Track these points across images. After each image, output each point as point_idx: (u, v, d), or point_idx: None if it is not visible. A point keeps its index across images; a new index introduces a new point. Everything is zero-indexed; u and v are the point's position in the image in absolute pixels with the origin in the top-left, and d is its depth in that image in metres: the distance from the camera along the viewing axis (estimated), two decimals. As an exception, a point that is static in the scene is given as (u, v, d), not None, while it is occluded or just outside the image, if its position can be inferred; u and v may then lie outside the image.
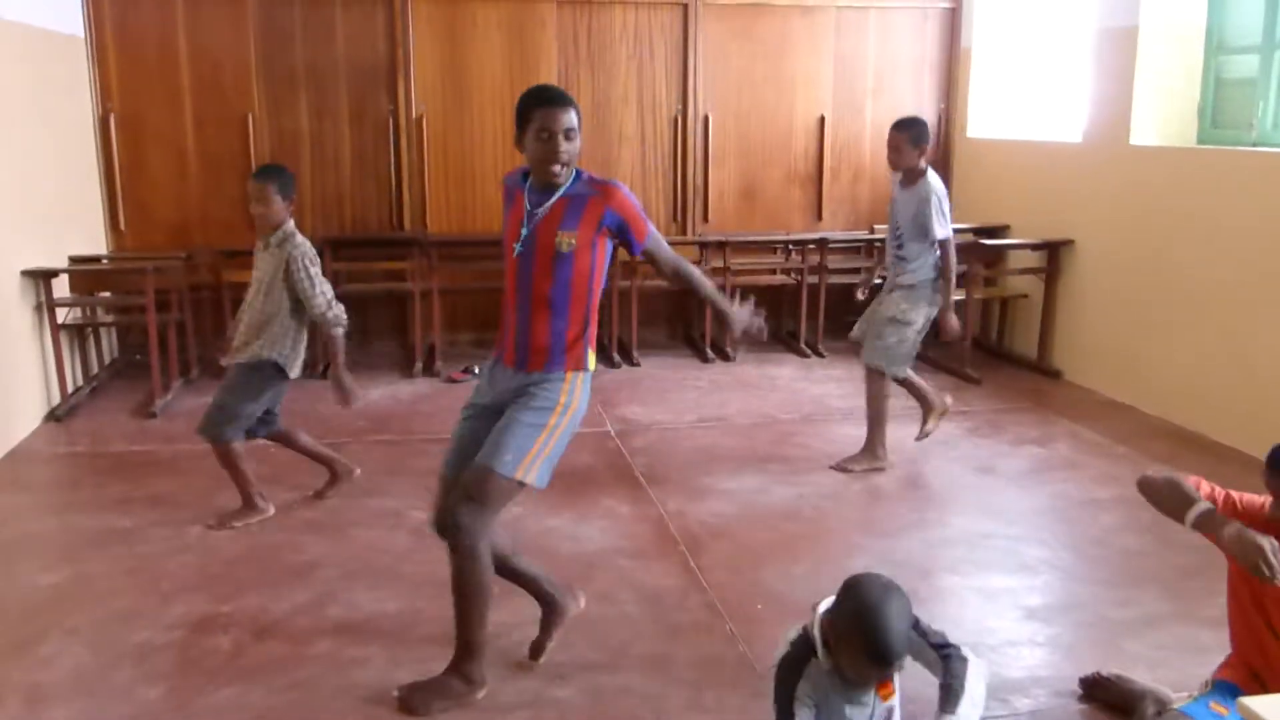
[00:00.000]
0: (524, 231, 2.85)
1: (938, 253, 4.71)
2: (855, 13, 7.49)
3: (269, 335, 4.10)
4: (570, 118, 2.78)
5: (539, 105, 2.79)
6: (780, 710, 2.24)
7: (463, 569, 2.84)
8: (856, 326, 5.04)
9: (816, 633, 2.22)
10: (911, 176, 4.72)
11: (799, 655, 2.25)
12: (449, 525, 2.84)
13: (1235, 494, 2.50)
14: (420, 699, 2.89)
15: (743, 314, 3.12)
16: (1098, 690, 2.96)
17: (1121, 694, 2.90)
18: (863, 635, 2.10)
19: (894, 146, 4.71)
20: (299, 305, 4.10)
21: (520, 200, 2.89)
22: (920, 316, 4.79)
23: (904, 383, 4.93)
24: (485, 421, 2.93)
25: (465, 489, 2.82)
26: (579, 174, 2.88)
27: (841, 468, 4.89)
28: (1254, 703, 1.80)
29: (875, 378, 4.87)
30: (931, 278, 4.75)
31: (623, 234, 2.90)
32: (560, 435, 2.90)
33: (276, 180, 4.03)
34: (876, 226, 7.65)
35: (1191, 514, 2.38)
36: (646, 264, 3.09)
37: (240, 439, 4.20)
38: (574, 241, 2.83)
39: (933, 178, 4.70)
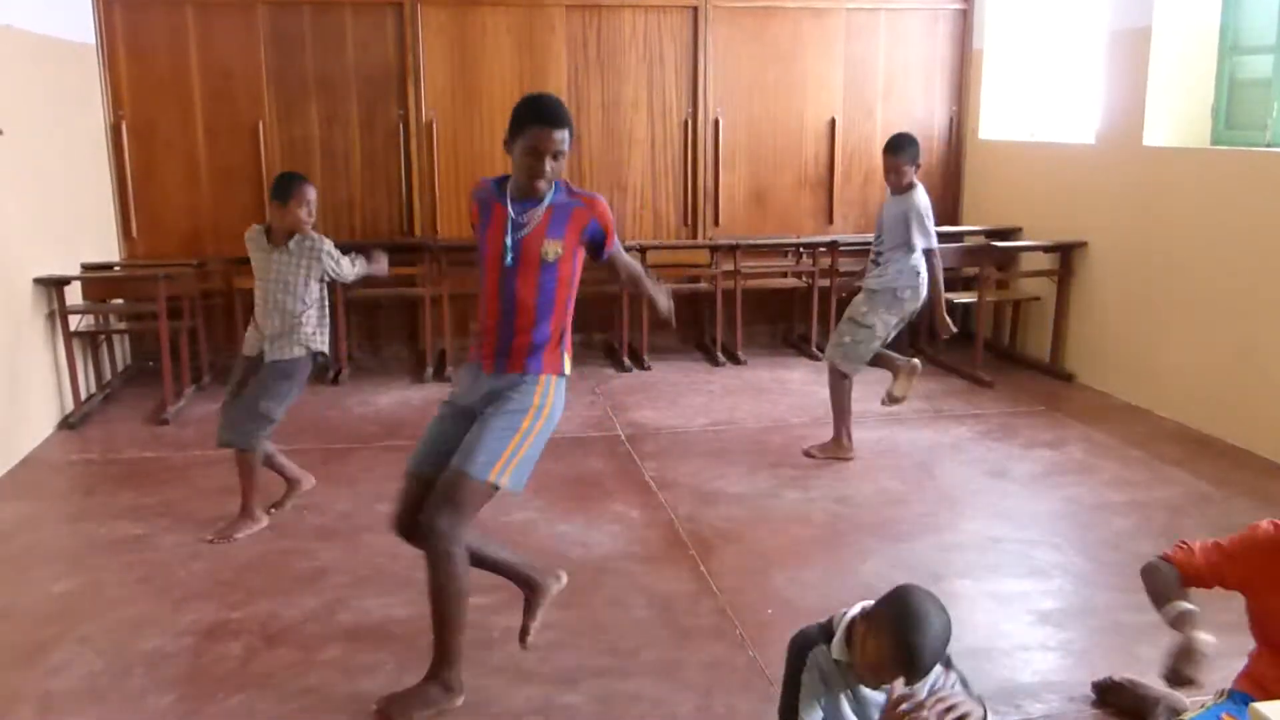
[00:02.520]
0: (508, 240, 2.86)
1: (914, 264, 4.85)
2: (866, 15, 7.48)
3: (306, 329, 4.16)
4: (562, 139, 2.80)
5: (533, 122, 2.79)
6: (788, 683, 2.27)
7: (440, 573, 2.86)
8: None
9: (841, 627, 2.21)
10: (901, 188, 4.87)
11: (811, 636, 2.27)
12: (426, 531, 2.84)
13: (1225, 543, 2.53)
14: (399, 709, 2.89)
15: (662, 300, 3.26)
16: (1111, 695, 2.94)
17: (1135, 699, 2.88)
18: (900, 633, 2.08)
19: (894, 169, 4.85)
20: (321, 292, 4.20)
21: (500, 211, 2.89)
22: (878, 320, 4.91)
23: (871, 363, 5.04)
24: (457, 424, 2.95)
25: (441, 494, 2.83)
26: (557, 184, 2.91)
27: (809, 453, 5.10)
28: (1266, 708, 1.78)
29: (836, 374, 5.04)
30: (896, 285, 4.86)
31: (595, 242, 2.97)
32: (535, 438, 2.91)
33: (314, 189, 4.15)
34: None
35: (1166, 616, 2.48)
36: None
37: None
38: (560, 250, 2.88)
39: (919, 192, 4.89)
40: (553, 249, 2.87)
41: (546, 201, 2.88)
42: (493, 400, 2.92)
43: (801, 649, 2.26)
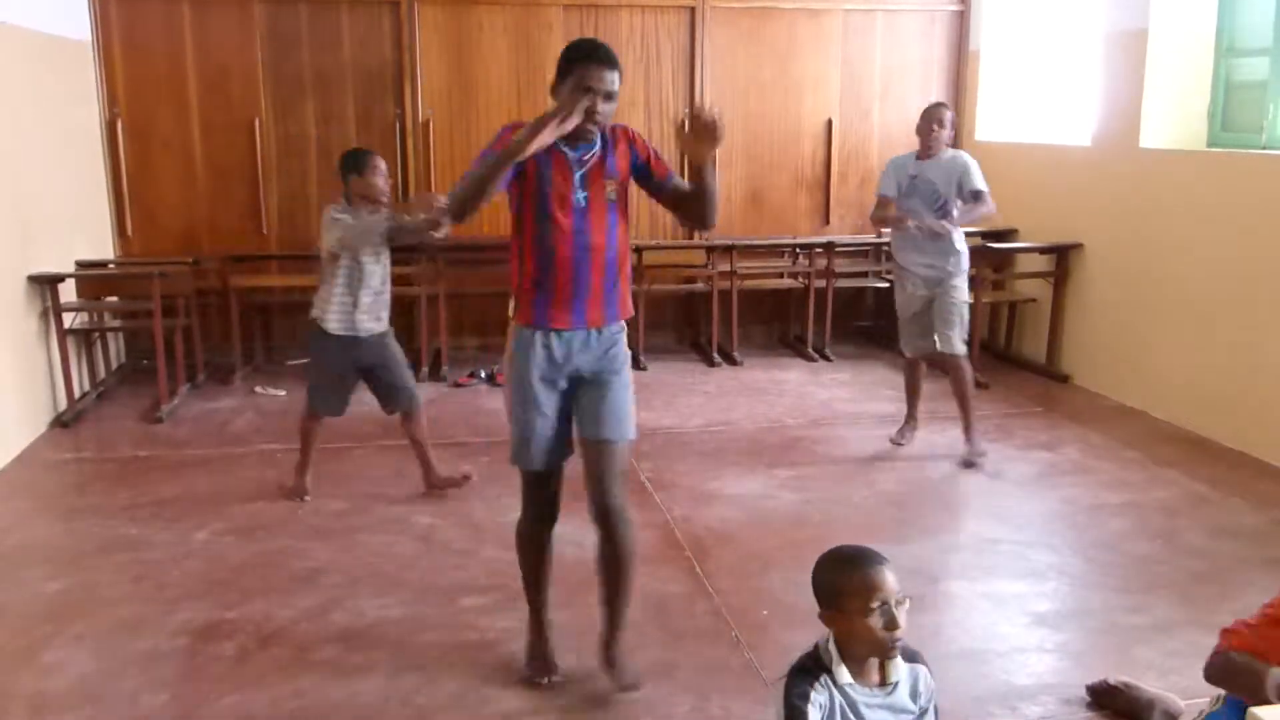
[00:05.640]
0: (576, 184, 2.80)
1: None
2: (862, 15, 7.48)
3: (388, 300, 4.34)
4: (614, 79, 2.73)
5: (584, 59, 2.72)
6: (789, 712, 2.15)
7: (630, 543, 2.92)
8: (918, 338, 5.07)
9: (832, 652, 2.12)
10: (938, 149, 4.86)
11: (807, 665, 2.16)
12: (609, 511, 2.87)
13: (1273, 611, 2.46)
14: (633, 671, 2.97)
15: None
16: (1106, 698, 2.94)
17: (1130, 702, 2.88)
18: (844, 558, 2.13)
19: (945, 123, 4.82)
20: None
21: (561, 157, 2.79)
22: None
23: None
24: (560, 402, 2.90)
25: (609, 472, 2.86)
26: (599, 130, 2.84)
27: (967, 462, 4.95)
28: (1265, 713, 1.78)
29: (960, 363, 4.98)
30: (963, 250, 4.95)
31: (644, 173, 2.92)
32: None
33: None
34: (884, 231, 7.64)
35: (1269, 686, 2.23)
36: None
37: None
38: (617, 190, 2.85)
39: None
40: (612, 189, 2.84)
41: (596, 144, 2.82)
42: (600, 360, 2.89)
43: (796, 687, 2.11)
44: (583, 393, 2.91)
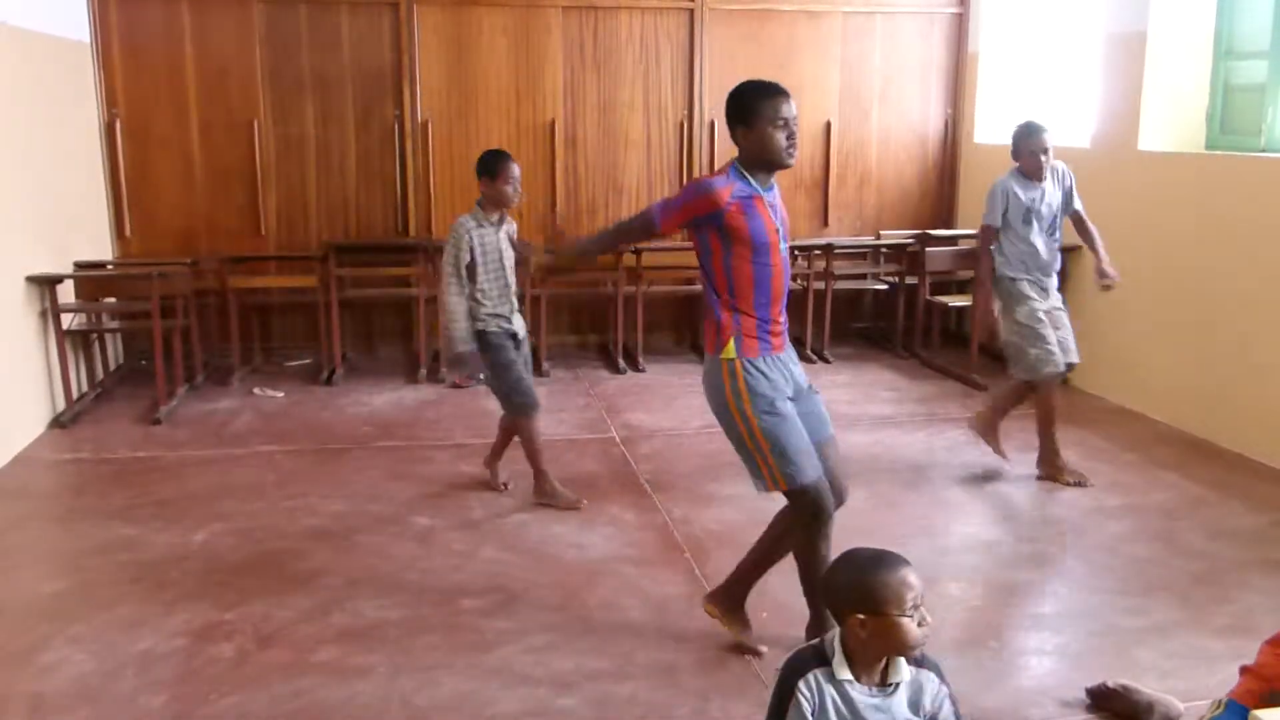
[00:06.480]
0: (778, 226, 3.03)
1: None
2: (862, 18, 7.48)
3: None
4: (795, 107, 2.98)
5: (771, 95, 2.94)
6: (773, 712, 2.15)
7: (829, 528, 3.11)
8: (1058, 351, 4.71)
9: (836, 647, 2.11)
10: (1042, 172, 4.74)
11: (805, 661, 2.15)
12: (840, 501, 3.15)
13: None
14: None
15: None
16: (1105, 701, 2.93)
17: (1129, 705, 2.87)
18: (872, 561, 2.11)
19: (1048, 149, 4.71)
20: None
21: (761, 202, 3.00)
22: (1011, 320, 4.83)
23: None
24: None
25: (845, 467, 3.24)
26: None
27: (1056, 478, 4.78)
28: (1267, 715, 1.78)
29: (1026, 388, 4.82)
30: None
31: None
32: None
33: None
34: (883, 232, 7.66)
35: None
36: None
37: None
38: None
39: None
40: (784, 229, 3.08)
41: (773, 185, 3.07)
42: (801, 375, 3.17)
43: (791, 675, 2.14)
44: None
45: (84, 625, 3.38)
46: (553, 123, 7.17)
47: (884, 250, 7.63)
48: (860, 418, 5.48)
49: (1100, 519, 4.35)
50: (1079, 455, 5.13)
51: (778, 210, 3.05)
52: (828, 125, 7.54)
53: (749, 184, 2.99)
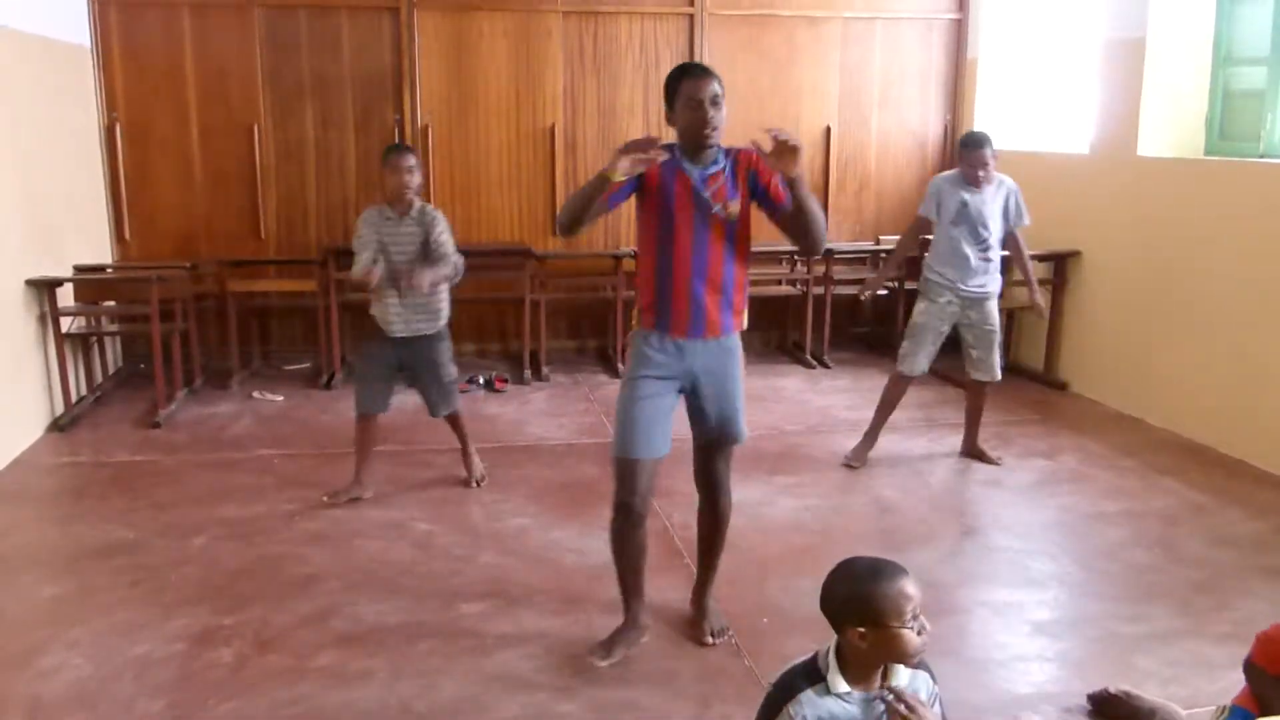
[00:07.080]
0: (696, 202, 3.02)
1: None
2: (861, 23, 7.49)
3: (440, 302, 4.45)
4: (714, 87, 2.99)
5: (683, 77, 3.02)
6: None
7: (725, 522, 3.45)
8: (930, 358, 5.02)
9: (831, 663, 2.10)
10: (991, 179, 4.87)
11: (795, 682, 2.12)
12: (721, 492, 3.42)
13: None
14: (718, 621, 3.37)
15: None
16: (1106, 707, 2.93)
17: (1130, 711, 2.87)
18: (871, 572, 2.07)
19: (988, 164, 4.81)
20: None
21: (683, 174, 3.04)
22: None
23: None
24: (667, 399, 3.22)
25: (725, 461, 3.42)
26: (722, 149, 3.07)
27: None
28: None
29: (989, 388, 5.13)
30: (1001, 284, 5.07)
31: (759, 192, 3.09)
32: None
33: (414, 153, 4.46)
34: (882, 237, 7.66)
35: None
36: None
37: None
38: (737, 210, 3.05)
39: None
40: (732, 209, 3.04)
41: (715, 165, 3.05)
42: (716, 365, 3.27)
43: (780, 696, 2.10)
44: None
45: (82, 629, 3.37)
46: (553, 127, 7.17)
47: (883, 255, 7.62)
48: (860, 423, 5.46)
49: (1100, 525, 4.35)
50: (1077, 461, 5.14)
51: (704, 192, 3.03)
52: (827, 130, 7.54)
53: (676, 160, 3.05)
